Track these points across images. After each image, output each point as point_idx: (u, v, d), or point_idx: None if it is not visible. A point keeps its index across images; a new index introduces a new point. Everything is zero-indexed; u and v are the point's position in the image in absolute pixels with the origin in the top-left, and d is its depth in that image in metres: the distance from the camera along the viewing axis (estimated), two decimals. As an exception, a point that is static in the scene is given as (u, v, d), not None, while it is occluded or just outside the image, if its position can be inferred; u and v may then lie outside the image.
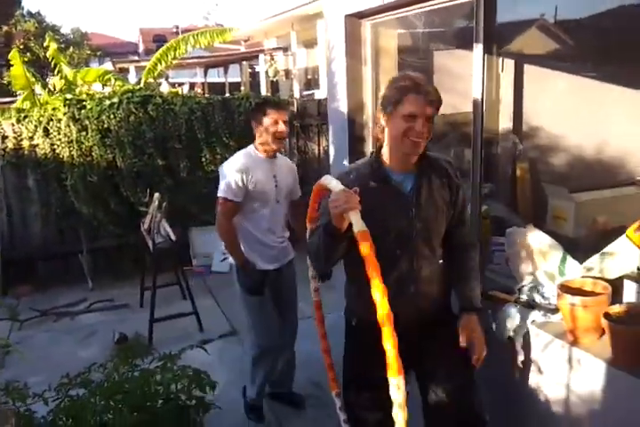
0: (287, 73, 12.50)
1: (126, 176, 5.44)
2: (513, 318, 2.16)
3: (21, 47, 14.07)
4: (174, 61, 6.96)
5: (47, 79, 7.63)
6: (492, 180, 3.01)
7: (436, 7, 2.75)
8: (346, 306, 2.08)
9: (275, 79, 12.52)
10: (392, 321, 1.41)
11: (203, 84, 14.27)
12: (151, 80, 6.91)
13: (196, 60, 11.83)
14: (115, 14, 76.98)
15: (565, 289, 2.03)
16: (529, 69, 3.20)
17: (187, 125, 5.63)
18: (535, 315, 2.14)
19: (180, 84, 12.19)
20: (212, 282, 5.12)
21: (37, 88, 6.49)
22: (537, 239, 2.30)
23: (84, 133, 5.34)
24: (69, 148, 5.33)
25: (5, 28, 16.57)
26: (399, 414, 1.44)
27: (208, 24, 25.16)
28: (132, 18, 72.28)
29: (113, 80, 6.76)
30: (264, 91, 11.91)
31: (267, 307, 2.80)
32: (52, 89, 6.73)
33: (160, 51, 6.84)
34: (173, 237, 4.24)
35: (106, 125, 5.36)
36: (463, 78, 2.72)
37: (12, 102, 6.65)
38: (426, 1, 2.73)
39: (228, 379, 3.21)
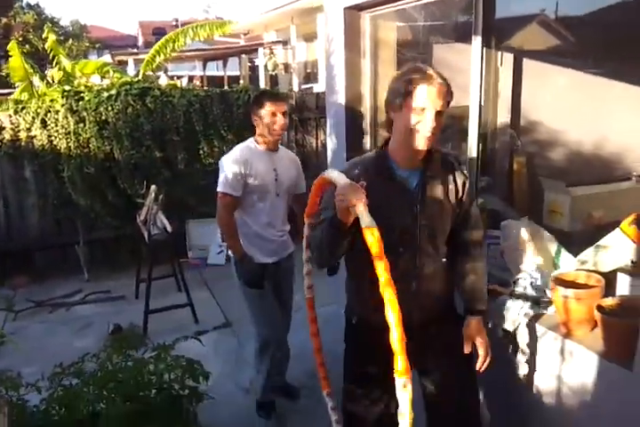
0: (286, 67, 12.48)
1: (124, 168, 5.44)
2: (508, 311, 2.17)
3: (20, 39, 13.99)
4: (173, 54, 6.94)
5: (46, 71, 7.59)
6: (489, 173, 3.01)
7: (435, 0, 2.75)
8: (347, 303, 2.03)
9: (274, 73, 12.48)
10: (401, 323, 1.36)
11: (202, 77, 14.25)
12: (150, 72, 6.89)
13: (195, 53, 11.78)
14: (114, 7, 76.69)
15: (559, 282, 2.03)
16: (528, 64, 3.18)
17: (185, 118, 5.62)
18: (529, 307, 2.14)
19: (179, 77, 12.15)
20: (208, 274, 5.12)
21: (36, 80, 6.47)
22: (532, 232, 2.31)
23: (81, 125, 5.32)
24: (67, 139, 5.32)
25: (4, 19, 16.46)
26: (406, 414, 1.39)
27: (208, 17, 25.02)
28: (132, 11, 71.92)
29: (111, 72, 6.76)
30: (263, 84, 11.89)
31: (267, 299, 2.79)
32: (51, 81, 6.71)
33: (159, 43, 6.82)
34: (169, 229, 4.23)
35: (103, 117, 5.35)
36: (462, 72, 2.71)
37: (11, 94, 6.62)
38: (425, -7, 2.73)
39: (222, 370, 3.21)
